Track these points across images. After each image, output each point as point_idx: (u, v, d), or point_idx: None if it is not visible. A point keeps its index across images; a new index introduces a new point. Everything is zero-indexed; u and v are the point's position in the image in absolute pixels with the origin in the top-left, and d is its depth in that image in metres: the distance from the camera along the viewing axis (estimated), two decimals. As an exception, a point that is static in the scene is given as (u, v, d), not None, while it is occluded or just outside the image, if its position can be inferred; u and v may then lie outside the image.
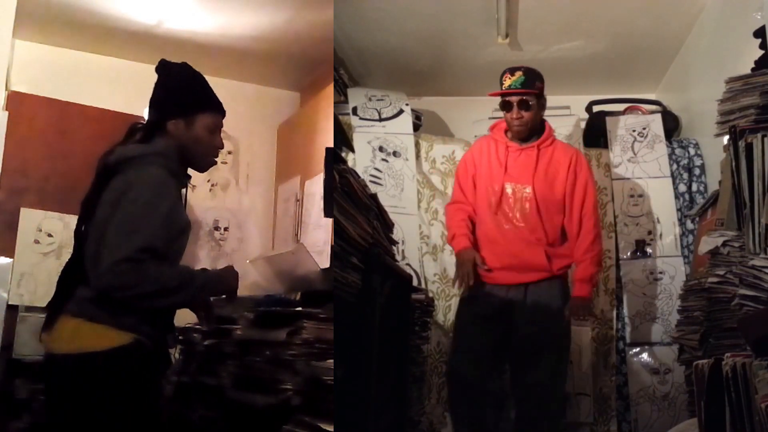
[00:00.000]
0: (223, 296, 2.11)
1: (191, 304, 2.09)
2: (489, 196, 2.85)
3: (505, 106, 2.82)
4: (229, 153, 4.65)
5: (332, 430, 1.85)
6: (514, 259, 2.76)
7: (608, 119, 3.85)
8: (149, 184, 1.91)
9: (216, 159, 2.16)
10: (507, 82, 2.79)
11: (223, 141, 2.16)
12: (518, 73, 2.77)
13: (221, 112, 2.13)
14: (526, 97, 2.78)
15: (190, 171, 2.15)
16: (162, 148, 2.01)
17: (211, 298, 2.13)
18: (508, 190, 2.82)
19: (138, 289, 1.80)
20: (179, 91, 2.09)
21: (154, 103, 2.10)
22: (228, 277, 2.05)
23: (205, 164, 2.13)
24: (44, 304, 2.03)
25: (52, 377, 1.95)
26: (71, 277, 1.97)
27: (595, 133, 3.84)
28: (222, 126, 2.14)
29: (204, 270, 2.04)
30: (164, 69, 2.13)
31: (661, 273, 3.51)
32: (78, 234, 2.02)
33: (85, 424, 1.85)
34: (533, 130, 2.86)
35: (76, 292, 1.92)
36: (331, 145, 3.44)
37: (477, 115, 3.96)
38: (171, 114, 2.05)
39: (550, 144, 2.89)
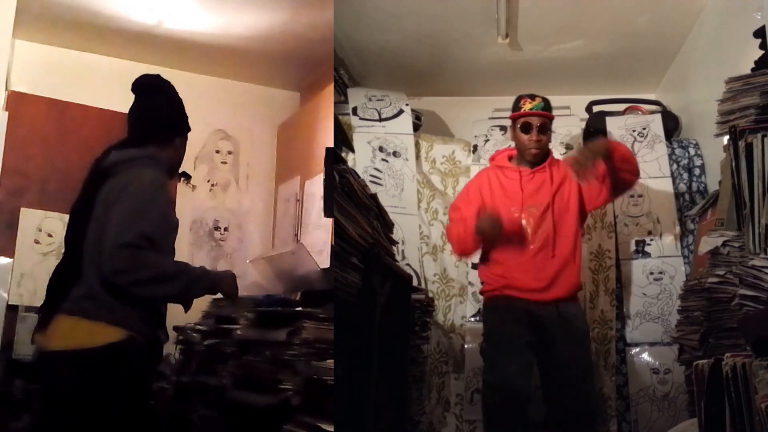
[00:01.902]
0: (223, 297, 2.21)
1: (181, 297, 2.16)
2: (512, 221, 2.81)
3: (525, 129, 2.85)
4: (229, 153, 4.65)
5: (332, 430, 1.85)
6: (546, 278, 2.77)
7: (608, 119, 3.85)
8: (149, 182, 2.02)
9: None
10: (528, 105, 2.85)
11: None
12: (538, 99, 2.86)
13: None
14: (545, 121, 2.85)
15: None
16: (155, 153, 2.14)
17: (212, 298, 2.21)
18: (532, 210, 2.82)
19: (138, 274, 1.88)
20: (182, 111, 2.28)
21: (159, 119, 2.21)
22: (226, 279, 2.16)
23: (175, 175, 2.33)
24: (44, 305, 2.06)
25: (48, 375, 1.98)
26: (64, 280, 2.02)
27: (595, 133, 3.84)
28: None
29: (202, 267, 2.13)
30: (162, 85, 2.27)
31: (661, 273, 3.51)
32: (69, 239, 2.08)
33: (81, 420, 1.88)
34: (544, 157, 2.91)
35: (71, 292, 1.97)
36: (331, 145, 3.44)
37: (477, 115, 3.96)
38: (181, 132, 2.25)
39: (556, 164, 2.93)
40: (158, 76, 2.28)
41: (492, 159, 3.06)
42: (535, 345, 2.75)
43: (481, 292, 2.96)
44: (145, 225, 1.92)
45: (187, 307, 2.23)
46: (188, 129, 2.31)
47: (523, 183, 2.87)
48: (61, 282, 2.02)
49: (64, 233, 2.11)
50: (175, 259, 2.19)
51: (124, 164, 2.07)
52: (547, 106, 2.87)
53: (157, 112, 2.22)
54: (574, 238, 2.83)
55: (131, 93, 2.28)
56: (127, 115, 2.23)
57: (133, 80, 2.26)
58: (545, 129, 2.86)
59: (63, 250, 2.11)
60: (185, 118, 2.30)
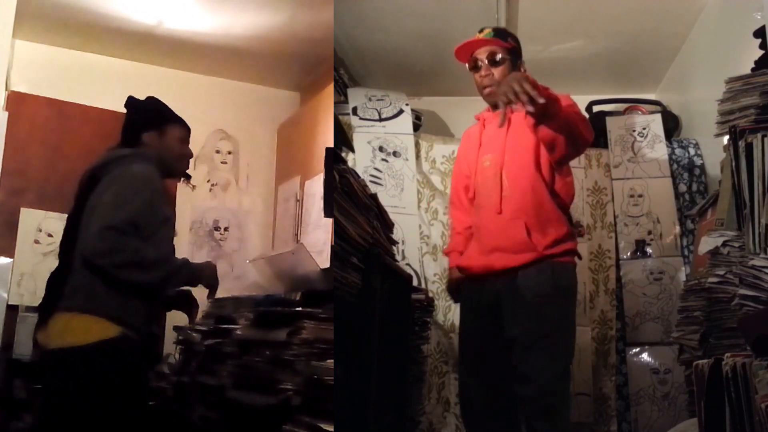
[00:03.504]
0: (205, 287, 2.25)
1: (174, 300, 2.19)
2: (469, 179, 2.53)
3: (474, 67, 2.46)
4: (229, 153, 4.65)
5: (332, 430, 1.85)
6: (496, 239, 2.36)
7: (608, 119, 3.85)
8: (134, 173, 2.08)
9: (188, 166, 2.41)
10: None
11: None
12: (486, 30, 2.48)
13: (187, 128, 2.37)
14: (493, 50, 2.43)
15: (189, 171, 2.31)
16: (142, 151, 2.21)
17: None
18: (486, 163, 2.46)
19: (117, 257, 1.91)
20: (148, 109, 2.33)
21: (127, 125, 2.30)
22: (207, 271, 2.21)
23: (178, 171, 2.36)
24: (44, 305, 2.11)
25: (48, 373, 2.00)
26: (59, 280, 2.07)
27: (595, 133, 3.84)
28: (189, 139, 2.38)
29: (184, 259, 2.19)
30: (132, 103, 2.35)
31: (661, 273, 3.51)
32: (63, 243, 2.15)
33: (75, 417, 1.90)
34: None
35: (65, 289, 2.01)
36: (331, 145, 3.44)
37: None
38: (144, 127, 2.27)
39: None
40: (128, 98, 2.36)
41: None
42: (495, 333, 2.36)
43: None
44: (129, 212, 1.96)
45: (193, 313, 2.27)
46: (153, 123, 2.29)
47: (483, 134, 2.51)
48: (57, 282, 2.07)
49: (60, 240, 2.18)
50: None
51: (113, 163, 2.13)
52: (498, 34, 2.46)
53: (123, 127, 2.31)
54: (532, 189, 2.35)
55: (131, 93, 2.35)
56: None
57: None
58: (496, 60, 2.42)
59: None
60: (149, 114, 2.31)
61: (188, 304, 2.38)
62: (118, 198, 1.99)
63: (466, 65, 2.50)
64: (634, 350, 3.47)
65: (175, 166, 2.33)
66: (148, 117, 2.31)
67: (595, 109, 4.03)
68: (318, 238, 3.93)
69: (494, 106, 2.49)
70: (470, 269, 2.50)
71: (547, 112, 2.14)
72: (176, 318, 2.34)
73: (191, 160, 2.44)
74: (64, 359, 1.94)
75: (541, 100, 2.02)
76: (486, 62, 2.44)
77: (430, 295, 3.27)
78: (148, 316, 2.09)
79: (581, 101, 4.07)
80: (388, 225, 2.46)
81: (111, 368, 1.92)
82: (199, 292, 2.35)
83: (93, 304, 1.96)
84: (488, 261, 2.39)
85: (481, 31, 2.49)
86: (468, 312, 2.55)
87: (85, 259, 1.94)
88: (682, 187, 3.62)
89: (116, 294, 1.97)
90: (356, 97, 3.70)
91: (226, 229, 4.65)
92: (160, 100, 2.38)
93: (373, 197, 2.24)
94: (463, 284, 2.58)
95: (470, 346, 2.50)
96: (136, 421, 1.97)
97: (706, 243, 2.24)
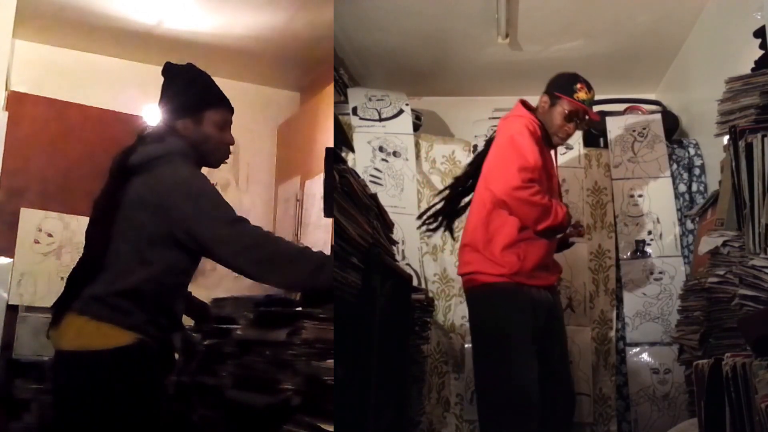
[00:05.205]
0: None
1: (193, 312, 2.10)
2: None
3: (571, 117, 2.76)
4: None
5: (332, 430, 1.85)
6: (548, 257, 2.71)
7: (608, 119, 3.85)
8: (196, 177, 2.00)
9: (228, 154, 2.20)
10: (584, 96, 2.77)
11: None
12: (593, 92, 2.80)
13: (229, 109, 2.15)
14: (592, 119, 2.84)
15: None
16: (181, 147, 2.04)
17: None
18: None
19: (260, 250, 1.88)
20: (184, 92, 2.11)
21: (162, 106, 2.12)
22: None
23: (216, 160, 2.18)
24: (44, 304, 2.07)
25: (58, 374, 1.96)
26: (80, 277, 1.97)
27: (595, 133, 3.85)
28: (231, 122, 2.16)
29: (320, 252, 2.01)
30: (169, 71, 2.15)
31: (661, 273, 3.51)
32: (90, 236, 2.02)
33: (87, 421, 1.87)
34: None
35: (84, 292, 1.93)
36: (331, 145, 3.44)
37: (477, 115, 3.96)
38: (179, 114, 2.07)
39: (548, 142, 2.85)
40: (166, 64, 2.17)
41: (524, 116, 2.72)
42: (536, 338, 2.61)
43: (476, 281, 2.67)
44: (227, 207, 1.93)
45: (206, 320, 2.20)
46: (188, 110, 2.08)
47: (549, 156, 2.77)
48: (78, 279, 1.97)
49: (85, 229, 2.04)
50: None
51: (151, 162, 1.98)
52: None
53: (159, 104, 2.13)
54: None
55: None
56: None
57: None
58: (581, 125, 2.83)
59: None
60: (184, 98, 2.10)
61: (204, 318, 2.41)
62: (210, 201, 1.93)
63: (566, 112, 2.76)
64: (634, 350, 3.47)
65: (212, 156, 2.14)
66: (183, 103, 2.08)
67: (595, 109, 4.02)
68: (318, 238, 3.93)
69: (551, 145, 2.79)
70: (530, 281, 2.64)
71: None
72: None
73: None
74: (78, 362, 1.88)
75: None
76: (580, 121, 2.79)
77: (430, 295, 3.28)
78: (169, 327, 2.02)
79: (581, 101, 4.10)
80: (388, 225, 2.46)
81: (127, 374, 1.86)
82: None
83: (111, 314, 1.88)
84: (542, 276, 2.67)
85: (590, 89, 2.79)
86: (527, 310, 2.62)
87: (238, 268, 1.87)
88: (682, 187, 3.62)
89: (141, 311, 1.89)
90: (356, 97, 3.70)
91: (226, 229, 4.65)
92: (199, 75, 2.15)
93: (373, 197, 2.24)
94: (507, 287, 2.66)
95: (526, 343, 2.59)
96: (150, 427, 1.92)
97: (706, 243, 2.25)
